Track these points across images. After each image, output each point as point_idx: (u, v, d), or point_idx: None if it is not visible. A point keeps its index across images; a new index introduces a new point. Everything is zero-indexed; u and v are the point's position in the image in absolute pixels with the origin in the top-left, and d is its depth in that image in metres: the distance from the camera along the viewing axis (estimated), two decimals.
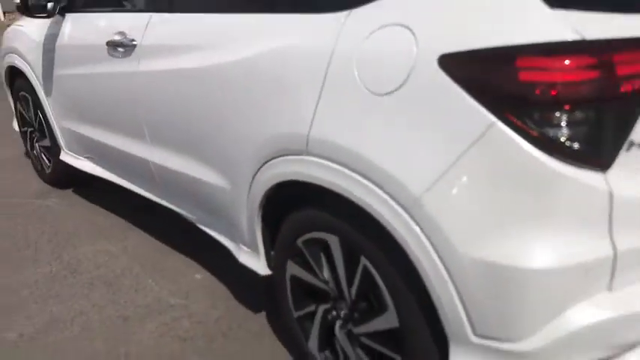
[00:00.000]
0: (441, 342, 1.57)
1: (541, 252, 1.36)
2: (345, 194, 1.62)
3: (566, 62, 1.28)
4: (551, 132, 1.31)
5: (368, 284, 1.72)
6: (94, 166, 3.19)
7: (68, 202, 3.60)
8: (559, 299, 1.40)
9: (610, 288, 1.42)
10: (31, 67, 3.36)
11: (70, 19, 2.96)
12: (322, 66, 1.65)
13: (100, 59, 2.63)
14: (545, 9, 1.30)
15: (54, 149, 3.51)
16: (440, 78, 1.39)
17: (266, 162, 1.89)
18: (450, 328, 1.51)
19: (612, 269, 1.40)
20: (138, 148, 2.60)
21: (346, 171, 1.60)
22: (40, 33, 3.20)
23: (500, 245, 1.38)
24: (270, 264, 2.15)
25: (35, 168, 3.94)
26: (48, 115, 3.37)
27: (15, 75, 3.69)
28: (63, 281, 2.77)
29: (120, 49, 2.50)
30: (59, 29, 3.02)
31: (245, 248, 2.21)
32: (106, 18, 2.73)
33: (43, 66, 3.22)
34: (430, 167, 1.42)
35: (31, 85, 3.42)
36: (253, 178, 1.97)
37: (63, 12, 2.99)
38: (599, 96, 1.29)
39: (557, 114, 1.30)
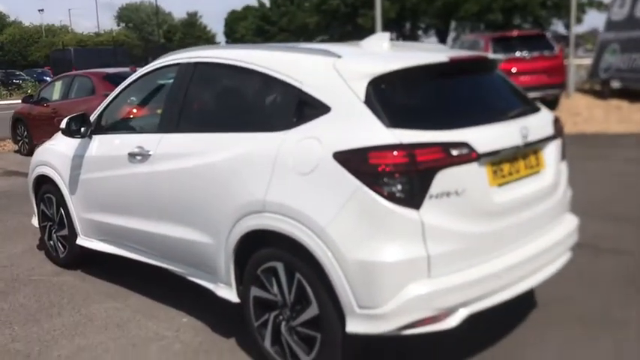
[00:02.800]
0: (340, 318, 2.70)
1: (388, 253, 2.56)
2: (283, 232, 2.82)
3: (393, 153, 2.56)
4: (388, 189, 2.56)
5: (300, 290, 2.86)
6: (106, 245, 4.29)
7: (79, 278, 4.62)
8: (400, 281, 2.58)
9: (429, 276, 2.60)
10: (59, 174, 4.53)
11: (97, 139, 4.20)
12: (271, 161, 2.91)
13: (122, 165, 3.85)
14: (383, 127, 2.60)
15: (71, 237, 4.60)
16: (333, 164, 2.65)
17: (237, 221, 3.08)
18: (344, 306, 2.66)
19: (428, 264, 2.60)
20: (146, 225, 3.75)
21: (284, 218, 2.81)
22: (70, 149, 4.41)
23: (367, 250, 2.58)
24: (238, 294, 3.26)
25: (50, 254, 4.98)
26: (70, 209, 4.50)
27: (42, 182, 4.85)
28: (84, 326, 3.77)
29: (138, 157, 3.73)
30: (87, 146, 4.25)
31: (222, 285, 3.33)
32: (127, 137, 3.98)
33: (71, 173, 4.40)
34: (329, 210, 2.65)
35: (58, 188, 4.57)
36: (229, 233, 3.14)
37: (91, 134, 4.23)
38: (409, 170, 2.56)
39: (390, 179, 2.56)
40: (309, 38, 63.75)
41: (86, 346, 3.50)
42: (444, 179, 2.60)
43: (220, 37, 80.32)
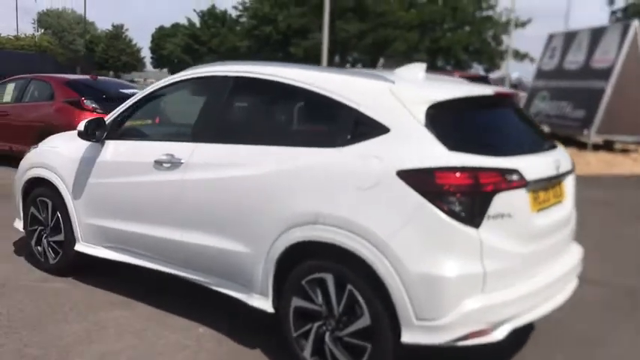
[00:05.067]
0: (394, 329, 2.85)
1: (450, 268, 2.75)
2: (339, 244, 2.94)
3: (457, 174, 2.77)
4: (452, 207, 2.76)
5: (350, 301, 2.98)
6: (111, 252, 4.21)
7: (72, 285, 4.48)
8: (458, 295, 2.77)
9: (483, 291, 2.81)
10: (61, 178, 4.41)
11: (111, 144, 4.15)
12: (327, 175, 3.04)
13: (145, 172, 3.83)
14: (446, 150, 2.81)
15: (68, 242, 4.47)
16: (396, 181, 2.82)
17: (283, 232, 3.17)
18: (401, 318, 2.81)
19: (483, 280, 2.80)
20: (169, 232, 3.74)
21: (340, 230, 2.94)
22: (76, 153, 4.31)
23: (429, 264, 2.76)
24: (274, 304, 3.33)
25: (35, 260, 4.78)
26: (70, 214, 4.38)
27: (34, 185, 4.69)
28: (97, 333, 3.69)
29: (166, 165, 3.73)
30: (99, 151, 4.18)
31: (256, 295, 3.38)
32: (150, 145, 3.96)
33: (76, 177, 4.30)
34: (391, 225, 2.81)
35: (57, 192, 4.44)
36: (272, 244, 3.22)
37: (104, 140, 4.17)
38: (472, 191, 2.78)
39: (455, 198, 2.76)
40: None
41: (107, 353, 3.44)
42: (499, 202, 2.84)
43: (146, 52, 78.76)
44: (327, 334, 3.11)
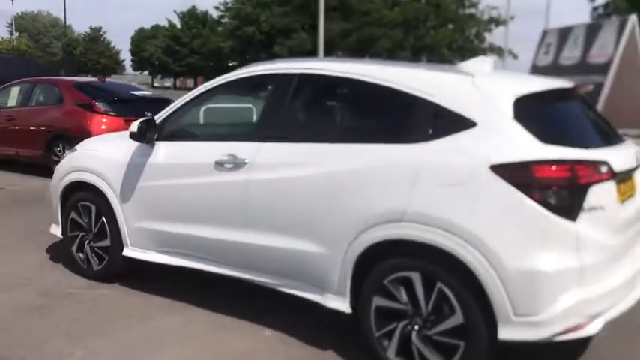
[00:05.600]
0: (489, 326, 2.81)
1: (549, 262, 2.72)
2: (428, 241, 2.89)
3: (554, 168, 2.74)
4: (550, 201, 2.73)
5: (440, 299, 2.94)
6: (165, 256, 4.11)
7: (121, 291, 4.37)
8: (558, 289, 2.74)
9: (580, 284, 2.78)
10: (106, 182, 4.30)
11: (163, 145, 4.05)
12: (411, 171, 2.99)
13: (205, 173, 3.74)
14: (539, 143, 2.78)
15: (115, 248, 4.36)
16: (490, 176, 2.78)
17: (363, 231, 3.11)
18: (498, 314, 2.77)
19: (581, 274, 2.78)
20: (232, 234, 3.66)
21: (430, 228, 2.89)
22: (123, 156, 4.21)
23: (528, 260, 2.72)
24: (351, 304, 3.27)
25: (77, 267, 4.66)
26: (118, 218, 4.27)
27: (75, 189, 4.57)
28: (163, 338, 3.60)
29: (227, 166, 3.64)
30: (149, 153, 4.08)
31: (332, 296, 3.32)
32: (208, 145, 3.87)
33: (124, 180, 4.20)
34: (486, 220, 2.77)
35: (103, 196, 4.33)
36: (351, 243, 3.16)
37: (154, 141, 4.08)
38: (569, 184, 2.75)
39: (553, 192, 2.73)
40: (222, 62, 63.47)
41: (184, 358, 3.35)
42: (593, 194, 2.82)
43: (126, 54, 78.01)
44: (414, 333, 3.06)
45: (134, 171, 4.16)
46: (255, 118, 4.31)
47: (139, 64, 74.18)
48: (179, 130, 4.17)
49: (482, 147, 2.89)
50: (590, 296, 2.81)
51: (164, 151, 4.05)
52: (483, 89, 3.02)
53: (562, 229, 2.75)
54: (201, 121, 4.84)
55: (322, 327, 3.71)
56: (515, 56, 41.30)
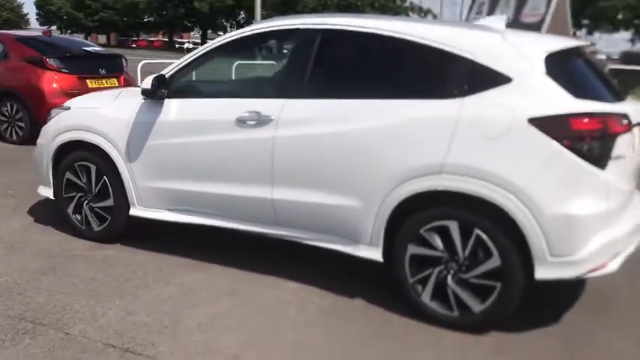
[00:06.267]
0: (524, 267, 3.04)
1: (583, 207, 2.97)
2: (468, 192, 3.07)
3: (586, 120, 2.97)
4: (585, 151, 2.96)
5: (477, 245, 3.14)
6: (178, 214, 4.08)
7: (128, 251, 4.30)
8: (590, 231, 3.01)
9: (607, 227, 3.06)
10: (110, 140, 4.18)
11: (175, 102, 3.97)
12: (450, 125, 3.13)
13: (225, 130, 3.73)
14: (572, 97, 3.00)
15: (119, 207, 4.27)
16: (529, 128, 2.97)
17: (400, 184, 3.25)
18: (536, 256, 3.01)
19: (608, 217, 3.05)
20: (260, 191, 3.69)
21: (469, 179, 3.06)
22: (129, 114, 4.09)
23: (565, 205, 2.96)
24: (383, 254, 3.42)
25: (74, 228, 4.53)
26: (124, 178, 4.18)
27: (70, 149, 4.41)
28: (191, 296, 3.62)
29: (250, 122, 3.65)
30: (159, 110, 3.99)
31: (364, 246, 3.45)
32: (226, 102, 3.84)
33: (130, 139, 4.09)
34: (526, 171, 2.98)
35: (106, 155, 4.21)
36: (387, 195, 3.30)
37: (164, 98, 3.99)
38: (601, 135, 2.99)
39: (587, 142, 2.97)
40: (138, 18, 60.73)
41: (216, 315, 3.40)
42: (619, 144, 3.08)
43: (30, 7, 73.08)
44: (450, 278, 3.26)
45: (142, 129, 4.07)
46: (273, 74, 4.26)
47: (45, 18, 69.66)
48: (191, 87, 4.10)
49: (520, 101, 3.07)
50: (614, 237, 3.10)
51: (176, 108, 3.98)
52: (516, 46, 3.19)
53: (594, 176, 3.00)
54: (216, 77, 4.74)
55: (340, 275, 3.88)
56: (435, 16, 42.11)
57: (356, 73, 3.65)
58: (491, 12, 16.45)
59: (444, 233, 3.24)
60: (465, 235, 3.18)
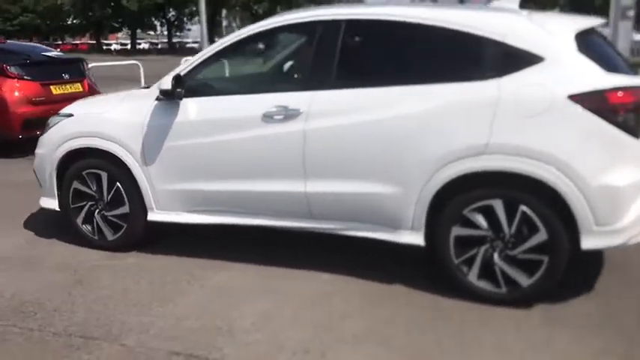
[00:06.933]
0: (570, 239, 3.16)
1: (625, 177, 3.12)
2: (516, 170, 3.16)
3: (621, 93, 3.11)
4: (623, 123, 3.10)
5: (523, 221, 3.23)
6: (201, 215, 4.00)
7: (147, 259, 4.17)
8: (630, 200, 3.15)
9: None
10: (123, 145, 4.04)
11: (191, 102, 3.88)
12: (490, 106, 3.21)
13: (251, 126, 3.68)
14: (605, 73, 3.13)
15: (136, 214, 4.14)
16: (569, 104, 3.09)
17: (441, 168, 3.30)
18: (582, 226, 3.14)
19: None
20: (293, 185, 3.66)
21: (514, 157, 3.15)
22: (142, 116, 3.97)
23: (608, 176, 3.10)
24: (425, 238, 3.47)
25: (84, 238, 4.36)
26: (140, 183, 4.05)
27: (76, 157, 4.24)
28: (233, 295, 3.57)
29: (278, 117, 3.62)
30: (175, 111, 3.89)
31: (405, 232, 3.49)
32: (251, 98, 3.78)
33: (146, 142, 3.97)
34: (569, 146, 3.09)
35: (118, 161, 4.07)
36: (428, 180, 3.35)
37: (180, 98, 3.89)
38: (635, 107, 3.14)
39: (624, 115, 3.11)
40: (62, 21, 58.39)
41: (266, 311, 3.38)
42: None
43: None
44: (496, 256, 3.34)
45: (159, 131, 3.95)
46: (289, 67, 4.22)
47: None
48: (209, 85, 4.01)
49: (557, 79, 3.17)
50: None
51: (196, 107, 3.89)
52: (544, 26, 3.30)
53: (632, 147, 3.16)
54: (233, 74, 4.64)
55: (368, 262, 3.93)
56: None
57: (386, 61, 3.66)
58: None
59: (488, 212, 3.32)
60: (510, 213, 3.27)
